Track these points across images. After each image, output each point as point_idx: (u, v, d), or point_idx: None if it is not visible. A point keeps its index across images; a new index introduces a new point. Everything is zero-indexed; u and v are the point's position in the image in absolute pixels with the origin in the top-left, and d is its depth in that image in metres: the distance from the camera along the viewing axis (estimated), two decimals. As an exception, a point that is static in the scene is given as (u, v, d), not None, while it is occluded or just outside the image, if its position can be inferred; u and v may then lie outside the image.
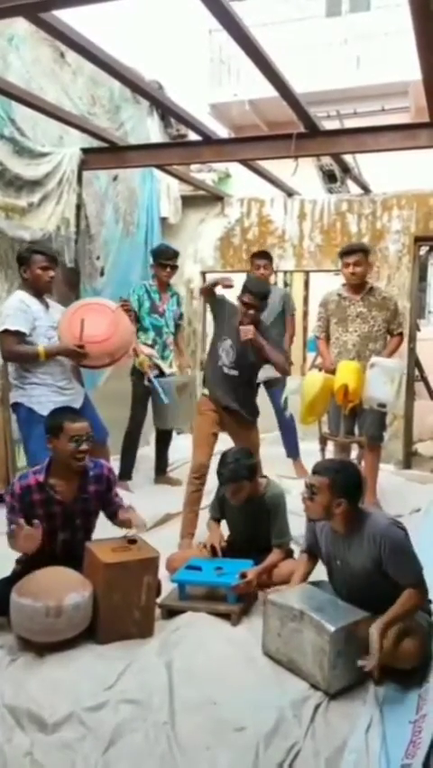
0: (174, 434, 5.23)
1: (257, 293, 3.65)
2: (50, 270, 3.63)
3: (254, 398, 3.94)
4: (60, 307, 3.83)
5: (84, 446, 2.80)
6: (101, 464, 3.00)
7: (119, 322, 3.75)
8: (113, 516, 3.03)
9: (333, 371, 4.08)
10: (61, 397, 3.55)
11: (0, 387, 4.29)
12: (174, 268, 4.87)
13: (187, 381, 4.82)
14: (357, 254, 4.20)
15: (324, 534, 2.70)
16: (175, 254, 4.88)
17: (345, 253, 4.25)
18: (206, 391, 3.85)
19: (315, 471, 2.61)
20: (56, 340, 3.60)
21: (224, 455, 3.20)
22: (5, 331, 3.45)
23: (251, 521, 3.22)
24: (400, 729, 2.10)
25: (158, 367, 4.72)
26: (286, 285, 6.56)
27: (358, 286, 4.22)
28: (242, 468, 3.10)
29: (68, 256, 4.65)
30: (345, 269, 4.21)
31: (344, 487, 2.51)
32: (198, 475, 3.74)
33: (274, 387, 4.98)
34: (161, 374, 4.70)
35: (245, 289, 3.66)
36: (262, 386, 4.75)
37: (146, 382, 4.63)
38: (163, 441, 5.04)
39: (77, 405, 3.63)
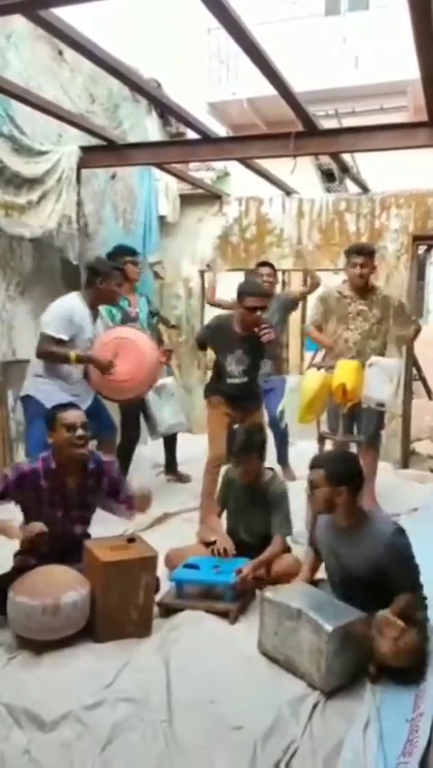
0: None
1: (260, 293, 3.86)
2: (120, 287, 4.06)
3: (258, 388, 4.17)
4: (110, 322, 4.14)
5: (80, 432, 2.84)
6: (99, 458, 3.04)
7: (143, 368, 3.89)
8: (121, 501, 3.07)
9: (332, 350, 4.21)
10: (70, 397, 3.68)
11: (-2, 385, 4.32)
12: (138, 263, 4.84)
13: (164, 383, 4.76)
14: (366, 256, 4.18)
15: (323, 528, 2.72)
16: (135, 250, 4.89)
17: (354, 253, 4.22)
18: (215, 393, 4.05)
19: (312, 466, 2.64)
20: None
21: (233, 432, 3.38)
22: (46, 334, 3.67)
23: (251, 511, 3.26)
24: (398, 728, 2.11)
25: None
26: (284, 284, 6.56)
27: (361, 288, 4.21)
28: (252, 441, 3.23)
29: (72, 253, 4.65)
30: (352, 268, 4.18)
31: (341, 475, 2.56)
32: (216, 465, 3.86)
33: (269, 393, 4.83)
34: None
35: (248, 294, 3.80)
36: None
37: None
38: (170, 440, 5.01)
39: (87, 402, 3.83)
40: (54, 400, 3.55)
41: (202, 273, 6.61)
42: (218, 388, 4.01)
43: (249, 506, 3.27)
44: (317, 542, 2.81)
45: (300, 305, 5.70)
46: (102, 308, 4.57)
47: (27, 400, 3.80)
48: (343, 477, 2.55)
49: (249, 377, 3.96)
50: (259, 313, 3.77)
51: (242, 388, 3.95)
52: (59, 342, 3.66)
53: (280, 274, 6.42)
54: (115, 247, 4.86)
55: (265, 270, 5.00)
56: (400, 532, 2.52)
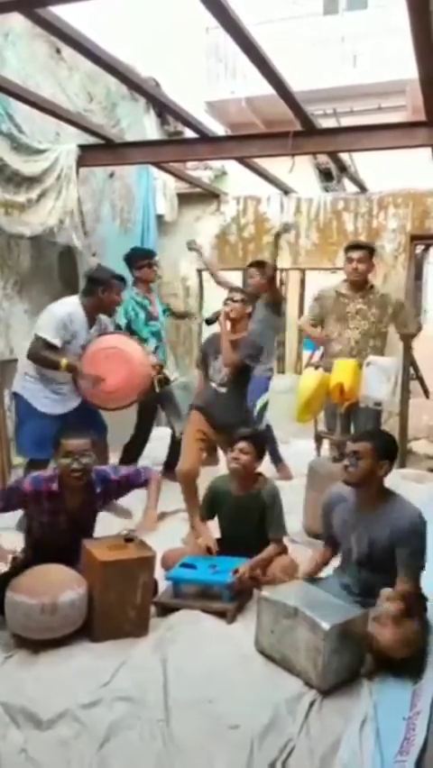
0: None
1: (234, 287, 3.96)
2: (120, 296, 4.02)
3: (244, 412, 3.95)
4: (105, 319, 4.06)
5: (77, 465, 2.78)
6: (105, 478, 2.96)
7: (132, 380, 3.90)
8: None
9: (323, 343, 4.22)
10: (56, 395, 3.77)
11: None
12: (154, 264, 4.90)
13: (187, 382, 4.80)
14: (362, 251, 4.20)
15: (339, 508, 2.75)
16: (153, 252, 4.98)
17: (351, 248, 4.25)
18: (197, 403, 3.89)
19: (356, 439, 2.71)
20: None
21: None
22: (40, 337, 3.69)
23: (245, 517, 3.22)
24: (395, 726, 2.11)
25: (164, 375, 4.69)
26: (281, 283, 6.55)
27: (358, 283, 4.22)
28: (255, 436, 3.25)
29: (79, 242, 4.68)
30: (349, 264, 4.20)
31: (386, 451, 2.65)
32: (187, 481, 3.76)
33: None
34: (167, 382, 4.68)
35: (230, 291, 3.90)
36: None
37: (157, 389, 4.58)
38: (179, 441, 5.00)
39: (74, 403, 3.85)
40: (40, 399, 3.72)
41: (200, 272, 6.61)
42: (198, 401, 3.88)
43: (243, 515, 3.22)
44: (329, 531, 2.83)
45: (298, 301, 5.69)
46: (122, 309, 4.61)
47: (16, 398, 3.86)
48: (388, 452, 2.66)
49: (228, 389, 3.76)
50: (236, 305, 3.75)
51: (221, 400, 3.75)
52: (52, 347, 3.68)
53: (277, 273, 6.43)
54: (132, 249, 4.94)
55: (251, 271, 4.87)
56: (422, 518, 2.58)
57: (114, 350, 3.90)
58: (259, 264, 4.94)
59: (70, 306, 3.83)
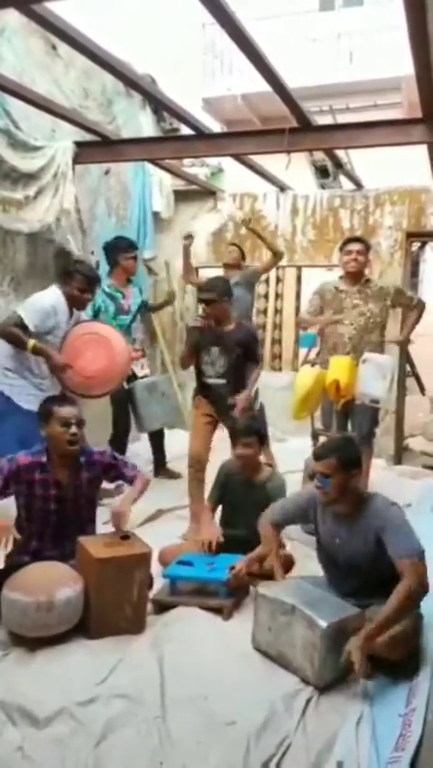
0: (165, 429, 5.17)
1: (205, 287, 3.89)
2: (86, 294, 3.91)
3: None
4: (85, 317, 4.05)
5: (74, 429, 2.85)
6: (90, 451, 3.04)
7: (113, 369, 3.89)
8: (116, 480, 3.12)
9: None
10: (38, 391, 3.76)
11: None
12: (137, 257, 4.88)
13: (156, 381, 4.79)
14: (360, 244, 4.24)
15: (324, 515, 2.70)
16: (134, 244, 4.92)
17: (348, 242, 4.29)
18: (198, 394, 4.00)
19: (318, 457, 2.60)
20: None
21: (237, 420, 3.47)
22: (18, 314, 3.68)
23: (249, 506, 3.25)
24: (390, 723, 2.11)
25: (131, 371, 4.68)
26: (278, 281, 6.55)
27: (355, 277, 4.22)
28: (254, 426, 3.30)
29: (75, 245, 4.68)
30: (347, 256, 4.21)
31: (350, 461, 2.56)
32: (197, 466, 3.84)
33: None
34: (134, 377, 4.67)
35: (199, 290, 3.99)
36: None
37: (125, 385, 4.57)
38: (157, 438, 5.02)
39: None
40: (23, 395, 3.71)
41: (196, 270, 6.58)
42: (200, 389, 3.98)
43: (247, 500, 3.27)
44: (287, 521, 2.92)
45: (294, 298, 5.67)
46: (94, 300, 4.53)
47: None
48: (353, 460, 2.57)
49: (227, 379, 3.82)
50: (208, 308, 3.79)
51: (221, 390, 3.84)
52: (24, 327, 3.67)
53: (274, 270, 6.42)
54: (115, 238, 4.86)
55: (231, 248, 5.27)
56: (395, 505, 2.54)
57: (95, 335, 3.92)
58: (237, 245, 5.34)
59: (55, 298, 3.84)
